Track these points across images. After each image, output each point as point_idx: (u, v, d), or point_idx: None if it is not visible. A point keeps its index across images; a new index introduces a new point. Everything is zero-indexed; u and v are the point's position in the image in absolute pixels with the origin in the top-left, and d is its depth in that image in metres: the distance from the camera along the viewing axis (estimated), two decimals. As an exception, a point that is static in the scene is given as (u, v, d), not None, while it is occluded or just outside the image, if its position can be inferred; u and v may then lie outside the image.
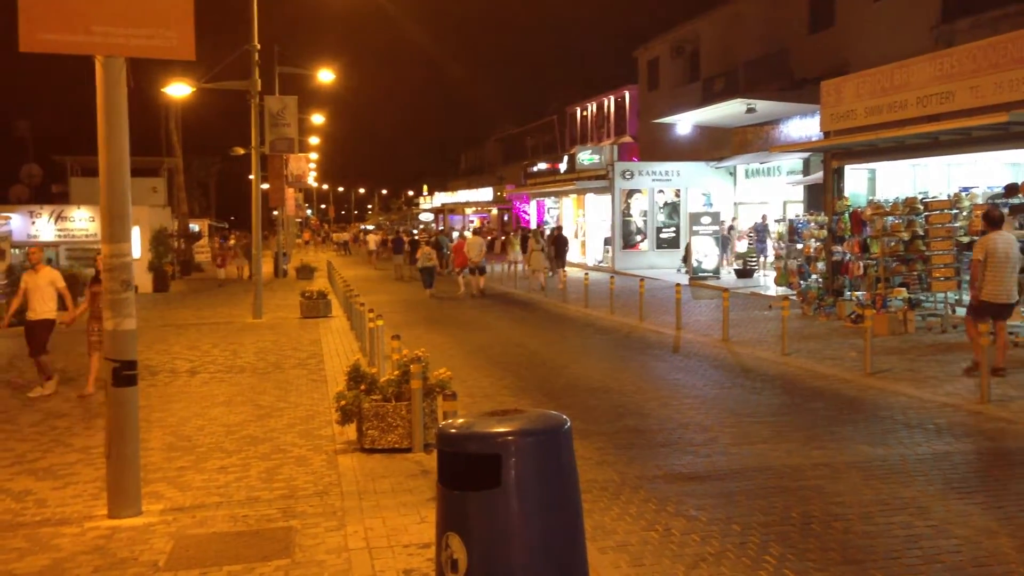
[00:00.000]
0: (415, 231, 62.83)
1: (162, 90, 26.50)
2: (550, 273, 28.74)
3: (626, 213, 34.23)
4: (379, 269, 43.52)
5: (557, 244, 30.76)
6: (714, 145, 33.13)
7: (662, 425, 9.70)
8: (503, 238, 48.04)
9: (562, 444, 3.90)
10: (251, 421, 10.24)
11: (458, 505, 3.80)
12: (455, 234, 46.30)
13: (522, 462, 3.74)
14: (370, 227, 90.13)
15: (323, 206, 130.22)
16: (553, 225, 43.28)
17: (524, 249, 30.92)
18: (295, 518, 6.79)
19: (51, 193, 37.79)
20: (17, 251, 30.46)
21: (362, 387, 8.83)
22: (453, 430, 3.95)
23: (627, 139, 43.61)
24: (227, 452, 8.86)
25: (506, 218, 59.93)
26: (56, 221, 30.60)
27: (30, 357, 12.74)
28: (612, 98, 46.73)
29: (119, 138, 6.94)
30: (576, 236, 40.08)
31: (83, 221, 30.80)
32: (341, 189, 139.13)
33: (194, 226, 46.54)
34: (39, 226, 30.42)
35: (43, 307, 12.74)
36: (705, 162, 33.57)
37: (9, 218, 28.80)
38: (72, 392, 12.59)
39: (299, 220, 74.21)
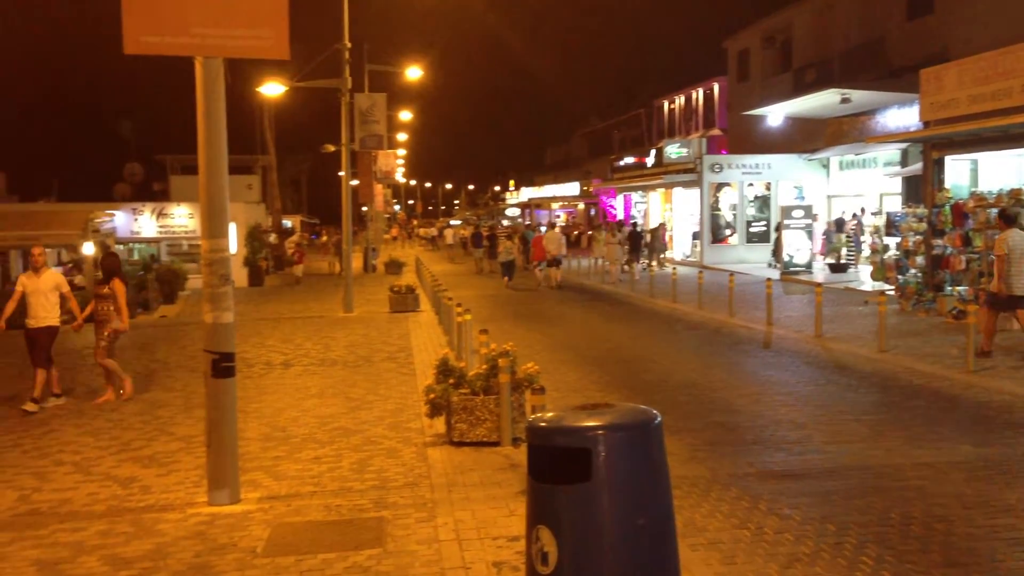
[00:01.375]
0: (502, 225, 63.13)
1: (256, 90, 27.23)
2: (626, 267, 29.66)
3: (715, 207, 33.74)
4: (457, 263, 43.85)
5: (632, 239, 31.28)
6: (806, 137, 32.37)
7: (753, 422, 9.53)
8: (589, 233, 47.84)
9: (652, 439, 3.87)
10: (343, 413, 10.44)
11: (548, 498, 3.80)
12: (542, 228, 46.38)
13: (612, 456, 3.72)
14: (456, 222, 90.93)
15: (411, 201, 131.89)
16: (640, 220, 42.96)
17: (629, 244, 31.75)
18: (386, 509, 6.89)
19: (152, 191, 39.14)
20: (122, 247, 31.69)
21: (451, 381, 8.91)
22: (543, 424, 3.95)
23: (716, 132, 42.97)
24: (320, 443, 9.05)
25: (592, 212, 59.72)
26: (157, 218, 31.70)
27: (33, 368, 11.38)
28: (700, 90, 46.09)
29: (217, 137, 7.14)
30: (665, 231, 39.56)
31: (182, 218, 31.83)
32: (428, 184, 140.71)
33: (287, 222, 47.67)
34: (141, 223, 31.55)
35: (46, 313, 11.44)
36: (797, 154, 32.82)
37: (113, 215, 29.91)
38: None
39: (387, 216, 75.31)
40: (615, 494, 3.69)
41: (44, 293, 11.44)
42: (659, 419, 3.95)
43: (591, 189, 56.59)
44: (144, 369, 14.50)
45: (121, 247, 31.48)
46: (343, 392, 11.71)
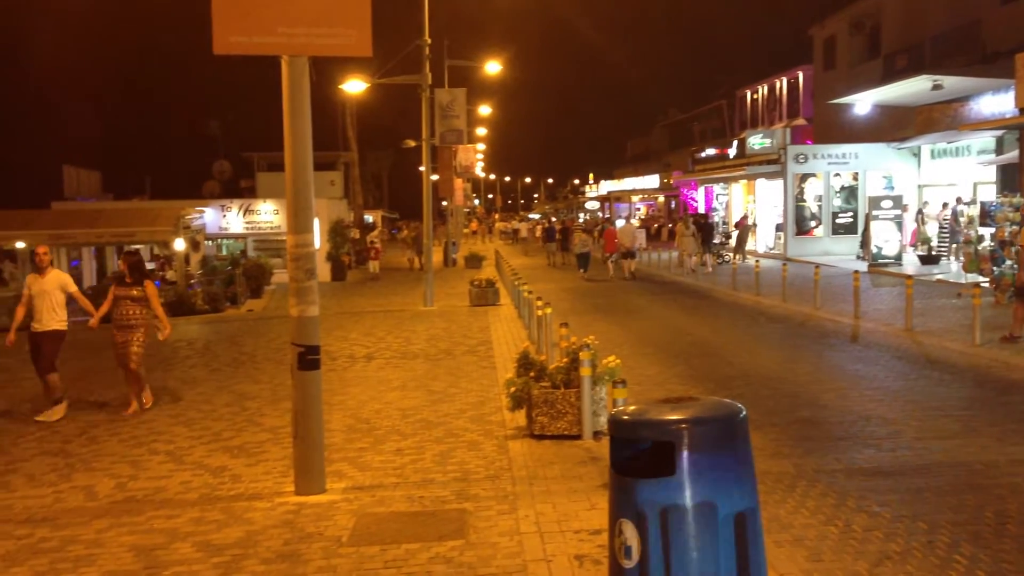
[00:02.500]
0: (579, 219, 62.98)
1: (339, 87, 27.67)
2: (694, 259, 29.94)
3: (799, 198, 33.03)
4: (531, 256, 43.87)
5: (702, 231, 31.61)
6: (895, 125, 31.44)
7: (840, 417, 9.32)
8: (670, 226, 47.35)
9: (737, 432, 3.82)
10: (425, 406, 10.56)
11: (631, 492, 3.78)
12: (619, 222, 46.14)
13: (697, 450, 3.68)
14: (535, 216, 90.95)
15: (490, 196, 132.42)
16: (722, 212, 42.36)
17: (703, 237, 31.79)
18: (468, 500, 6.95)
19: (240, 187, 40.12)
20: (210, 243, 32.62)
21: (532, 374, 8.93)
22: (626, 417, 3.94)
23: (800, 122, 42.07)
24: (403, 435, 9.17)
25: (673, 205, 59.09)
26: (244, 214, 32.50)
27: (38, 376, 10.92)
28: (784, 79, 45.17)
29: (303, 134, 7.29)
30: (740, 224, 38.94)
31: (268, 214, 32.57)
32: (508, 179, 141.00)
33: (368, 217, 48.34)
34: (229, 219, 32.40)
35: (51, 316, 10.81)
36: (886, 143, 31.90)
37: (203, 212, 30.75)
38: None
39: (467, 210, 75.77)
40: (699, 488, 3.65)
41: (49, 294, 10.79)
42: (744, 413, 3.89)
43: (671, 181, 56.01)
44: (232, 361, 14.89)
45: (210, 243, 32.42)
46: (425, 385, 11.84)
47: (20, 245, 24.43)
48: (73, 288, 11.04)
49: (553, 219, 65.81)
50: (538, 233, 51.55)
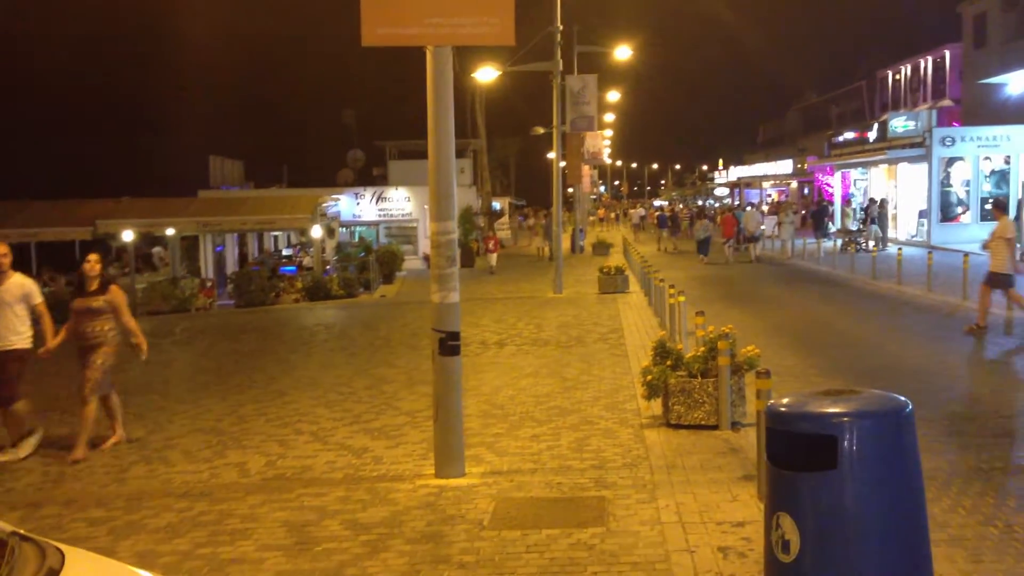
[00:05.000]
0: (708, 205, 61.87)
1: (471, 75, 27.95)
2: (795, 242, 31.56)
3: (945, 183, 31.48)
4: (641, 243, 43.40)
5: (815, 216, 31.74)
6: (1052, 104, 29.57)
7: (997, 412, 8.86)
8: (803, 212, 45.92)
9: (903, 427, 3.67)
10: (558, 392, 10.59)
11: (790, 485, 3.68)
12: (752, 208, 45.10)
13: (860, 445, 3.55)
14: (664, 202, 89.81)
15: (616, 182, 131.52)
16: (862, 198, 40.85)
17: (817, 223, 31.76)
18: (606, 488, 6.93)
19: (372, 175, 41.08)
20: (345, 230, 33.56)
21: (668, 363, 8.82)
22: (783, 409, 3.83)
23: (946, 103, 40.03)
24: (538, 421, 9.22)
25: (806, 191, 57.29)
26: (377, 202, 33.31)
27: None
28: (929, 59, 43.05)
29: (446, 122, 7.39)
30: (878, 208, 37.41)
31: (400, 201, 33.28)
32: (634, 165, 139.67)
33: (496, 204, 48.75)
34: (362, 206, 33.27)
35: (12, 332, 8.65)
36: (1041, 124, 30.05)
37: (338, 199, 31.67)
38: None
39: (593, 197, 75.47)
40: (862, 484, 3.53)
41: (10, 305, 8.64)
42: (910, 407, 3.73)
43: (806, 167, 54.26)
44: (368, 345, 15.30)
45: (344, 230, 33.37)
46: (557, 372, 11.87)
47: (170, 232, 25.73)
48: (38, 300, 8.86)
49: (665, 205, 65.72)
50: (651, 220, 51.69)
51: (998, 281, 13.57)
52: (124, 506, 7.00)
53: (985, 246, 13.96)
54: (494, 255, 31.34)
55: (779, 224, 31.78)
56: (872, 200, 34.60)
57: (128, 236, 23.77)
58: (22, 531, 3.09)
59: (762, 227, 33.16)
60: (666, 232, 40.46)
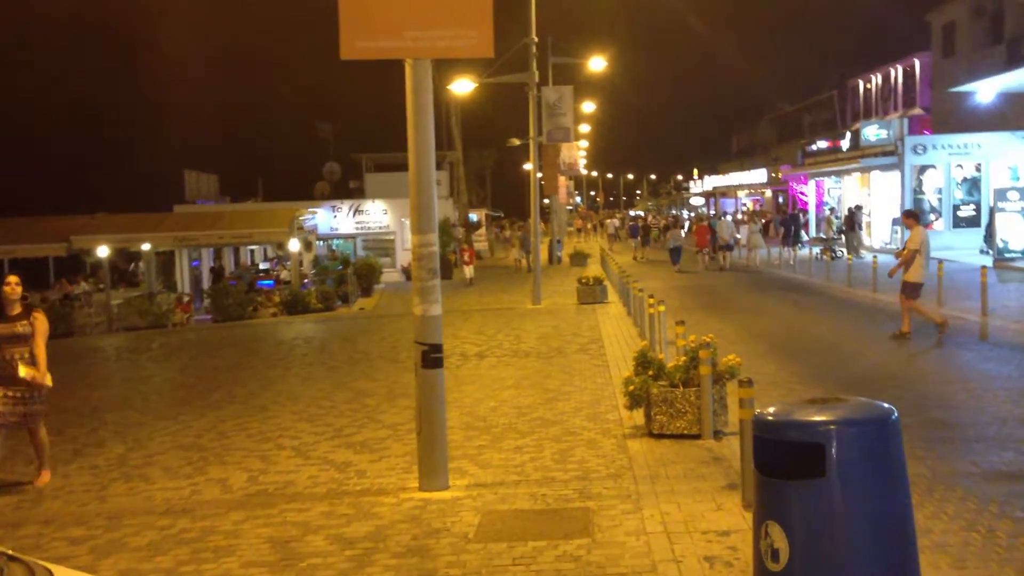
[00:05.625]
0: (681, 215, 62.20)
1: (446, 87, 27.98)
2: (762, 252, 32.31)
3: (917, 191, 31.85)
4: (617, 252, 43.67)
5: (785, 224, 33.43)
6: (1021, 113, 30.00)
7: (974, 418, 8.95)
8: (765, 221, 46.21)
9: (889, 434, 3.70)
10: (540, 404, 10.58)
11: (778, 494, 3.70)
12: (727, 218, 45.42)
13: (847, 452, 3.58)
14: (639, 212, 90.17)
15: (592, 193, 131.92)
16: (835, 206, 41.23)
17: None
18: (591, 499, 6.93)
19: (348, 188, 40.98)
20: (322, 243, 33.44)
21: (650, 373, 8.84)
22: (771, 417, 3.86)
23: (917, 111, 40.53)
24: (521, 433, 9.21)
25: (780, 200, 57.75)
26: (354, 215, 33.22)
27: None
28: (899, 67, 43.59)
29: (425, 135, 7.40)
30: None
31: (377, 214, 33.19)
32: (610, 175, 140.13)
33: (473, 216, 48.77)
34: (339, 219, 33.15)
35: None
36: (1011, 131, 30.46)
37: (315, 213, 31.57)
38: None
39: (569, 207, 75.61)
40: (851, 491, 3.56)
41: None
42: (896, 415, 3.77)
43: (780, 176, 54.69)
44: (348, 359, 15.24)
45: (321, 243, 33.26)
46: (539, 383, 11.87)
47: (146, 247, 25.54)
48: None
49: (639, 215, 66.95)
50: (611, 230, 52.95)
51: (910, 290, 13.87)
52: (105, 524, 6.92)
53: (897, 256, 14.44)
54: (470, 267, 30.98)
55: (748, 234, 33.42)
56: (858, 207, 35.04)
57: (103, 252, 23.57)
58: (9, 551, 3.05)
59: (736, 236, 34.37)
60: (636, 241, 41.97)
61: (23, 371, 7.99)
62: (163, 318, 22.48)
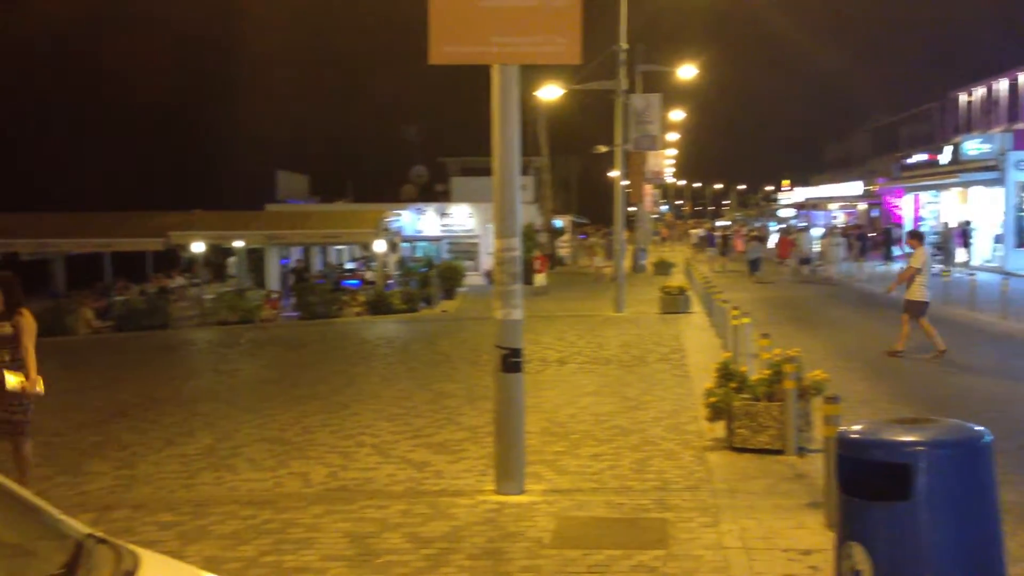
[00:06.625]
0: (774, 227, 61.14)
1: (533, 93, 28.07)
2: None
3: (1020, 208, 30.65)
4: (700, 262, 43.10)
5: (862, 239, 33.83)
6: None
7: (1075, 446, 8.56)
8: (872, 235, 45.01)
9: (980, 458, 3.58)
10: (619, 412, 10.52)
11: (861, 514, 3.61)
12: (813, 231, 44.60)
13: (936, 475, 3.47)
14: (726, 223, 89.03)
15: (678, 202, 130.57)
16: (934, 221, 40.01)
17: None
18: (668, 510, 6.86)
19: (435, 192, 41.43)
20: (408, 245, 33.88)
21: (732, 385, 8.71)
22: (855, 436, 3.76)
23: (1021, 126, 39.00)
24: (599, 440, 9.17)
25: (875, 213, 56.25)
26: (440, 217, 33.56)
27: None
28: (1004, 81, 42.04)
29: (511, 141, 7.43)
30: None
31: (462, 217, 33.49)
32: (698, 184, 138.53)
33: (557, 222, 48.75)
34: (425, 222, 33.54)
35: None
36: (1123, 147, 29.10)
37: (401, 215, 32.00)
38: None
39: (655, 216, 75.02)
40: (938, 514, 3.45)
41: None
42: (989, 438, 3.64)
43: (875, 189, 53.28)
44: (430, 361, 15.40)
45: (406, 245, 33.70)
46: (618, 391, 11.80)
47: (238, 244, 26.27)
48: None
49: (719, 225, 67.32)
50: (695, 240, 53.06)
51: (915, 309, 14.16)
52: (192, 511, 7.13)
53: (901, 277, 14.85)
54: (541, 275, 29.69)
55: (825, 248, 33.78)
56: (967, 222, 34.17)
57: (199, 247, 24.30)
58: (98, 533, 3.16)
59: (816, 249, 34.82)
60: (715, 250, 42.51)
61: (10, 381, 7.20)
62: (252, 314, 23.06)
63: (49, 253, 26.07)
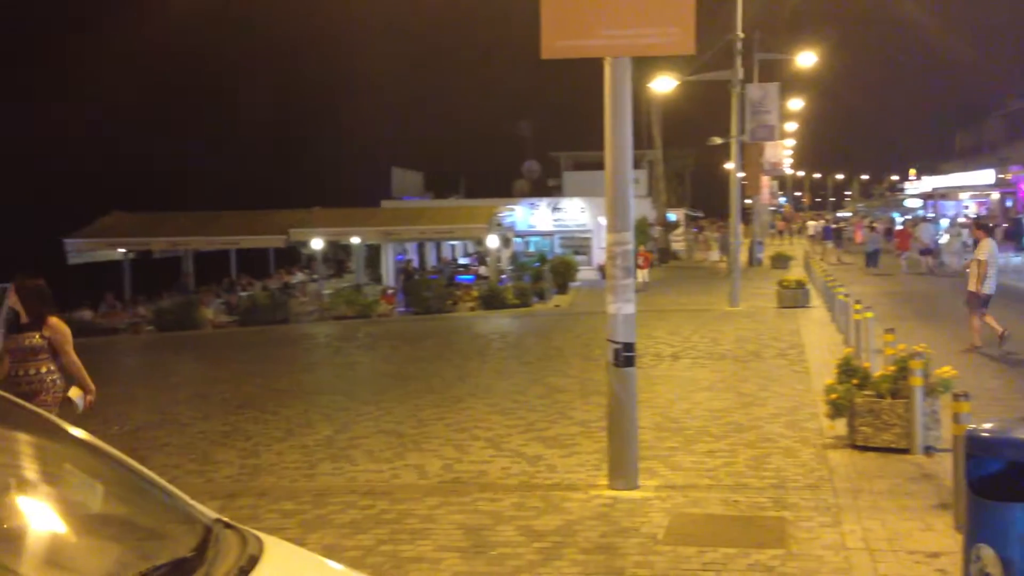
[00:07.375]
0: (899, 218, 58.91)
1: (646, 85, 27.76)
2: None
3: None
4: (818, 255, 41.79)
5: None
6: None
7: None
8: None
9: (1126, 461, 3.36)
10: (735, 408, 10.33)
11: (992, 516, 3.44)
12: (924, 221, 42.78)
13: (1075, 477, 3.28)
14: (846, 215, 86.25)
15: (797, 193, 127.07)
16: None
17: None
18: (786, 509, 6.70)
19: (547, 186, 41.51)
20: (520, 240, 34.06)
21: (854, 381, 8.43)
22: (986, 434, 3.59)
23: None
24: (714, 436, 9.03)
25: (1008, 204, 53.51)
26: (552, 212, 33.60)
27: None
28: None
29: (623, 134, 7.38)
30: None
31: (574, 212, 33.44)
32: (818, 176, 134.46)
33: (671, 215, 48.15)
34: (537, 217, 33.64)
35: None
36: None
37: (514, 210, 32.17)
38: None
39: (773, 208, 73.26)
40: (1077, 519, 3.26)
41: None
42: None
43: (1009, 177, 50.66)
44: (543, 355, 15.46)
45: (519, 240, 33.89)
46: (734, 387, 11.59)
47: (355, 240, 26.92)
48: None
49: (839, 217, 66.13)
50: (812, 231, 51.84)
51: (976, 301, 13.75)
52: (312, 500, 7.36)
53: (965, 267, 14.64)
54: (644, 271, 27.72)
55: (951, 238, 32.77)
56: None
57: (318, 244, 25.02)
58: (225, 518, 3.30)
59: (942, 240, 33.56)
60: (831, 242, 42.12)
61: (73, 392, 6.99)
62: (369, 308, 23.60)
63: (180, 250, 27.29)
